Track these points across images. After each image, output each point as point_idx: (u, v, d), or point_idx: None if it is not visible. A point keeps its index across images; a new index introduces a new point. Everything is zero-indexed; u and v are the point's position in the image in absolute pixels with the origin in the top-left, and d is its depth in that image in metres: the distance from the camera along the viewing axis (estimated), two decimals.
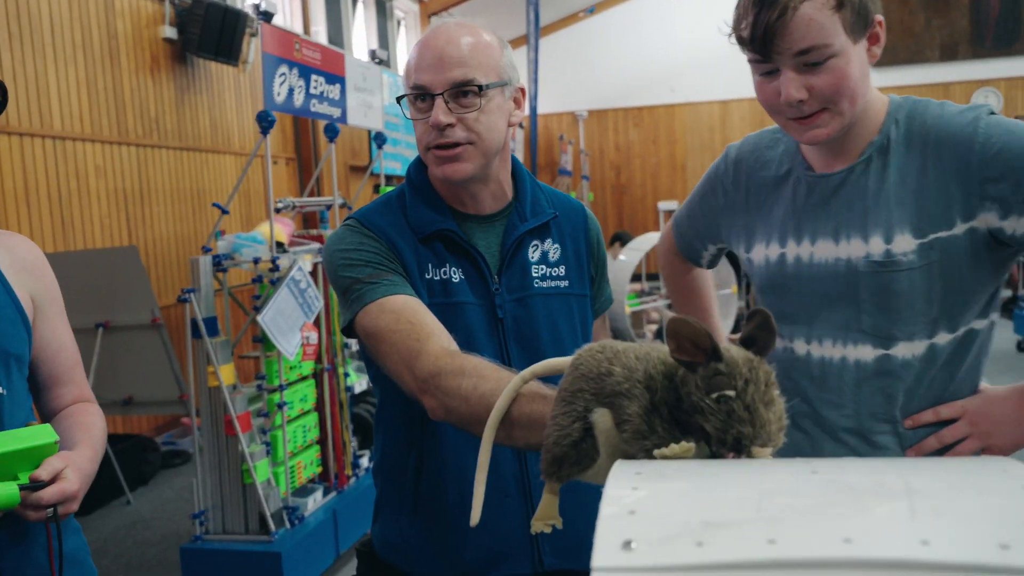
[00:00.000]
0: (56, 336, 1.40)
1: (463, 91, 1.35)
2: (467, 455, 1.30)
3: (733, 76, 14.62)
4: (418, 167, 1.48)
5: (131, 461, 5.10)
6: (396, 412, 1.44)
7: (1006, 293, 10.38)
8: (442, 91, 1.34)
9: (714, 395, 0.74)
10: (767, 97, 1.29)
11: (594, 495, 1.17)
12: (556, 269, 1.47)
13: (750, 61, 1.28)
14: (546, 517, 0.92)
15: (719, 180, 1.53)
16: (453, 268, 1.40)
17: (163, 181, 6.33)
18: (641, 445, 0.78)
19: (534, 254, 1.45)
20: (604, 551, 0.58)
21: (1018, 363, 7.45)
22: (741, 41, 1.28)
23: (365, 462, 4.12)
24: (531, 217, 1.45)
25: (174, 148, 6.48)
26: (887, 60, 14.48)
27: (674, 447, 0.75)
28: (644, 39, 15.19)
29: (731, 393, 0.74)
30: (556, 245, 1.48)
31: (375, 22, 10.93)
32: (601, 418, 0.83)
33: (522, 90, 1.45)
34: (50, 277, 1.41)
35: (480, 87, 1.35)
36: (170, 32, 6.41)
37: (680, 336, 0.75)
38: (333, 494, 3.83)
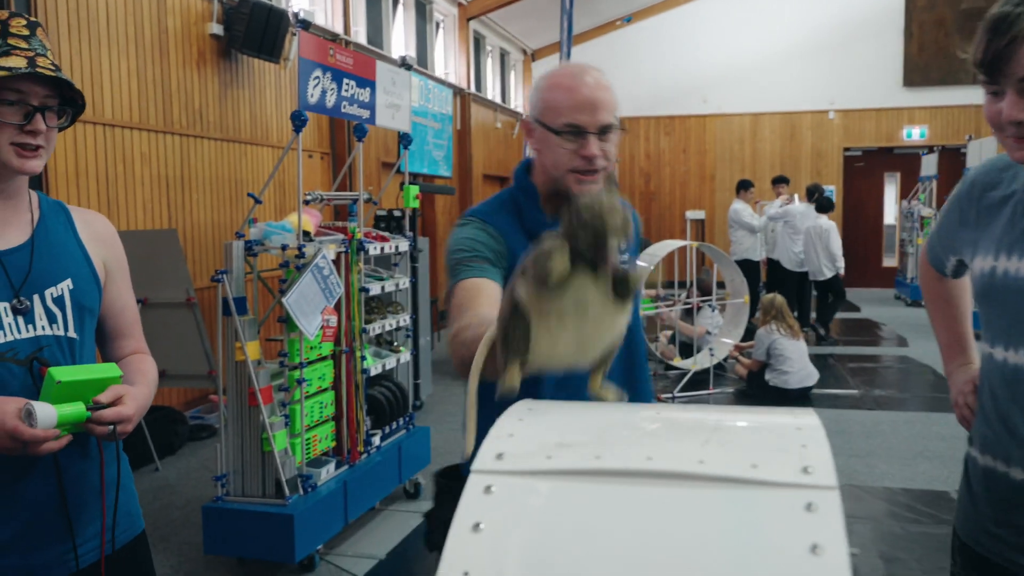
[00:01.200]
0: (121, 297, 1.70)
1: (608, 130, 1.70)
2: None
3: (764, 89, 14.82)
4: (524, 173, 1.84)
5: (161, 431, 5.44)
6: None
7: None
8: (595, 131, 1.68)
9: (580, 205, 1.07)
10: (991, 115, 1.42)
11: None
12: (622, 257, 1.82)
13: (981, 83, 1.42)
14: (508, 389, 1.12)
15: (958, 199, 1.69)
16: None
17: (204, 170, 6.68)
18: (535, 275, 1.07)
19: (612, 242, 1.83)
20: (483, 459, 0.85)
21: None
22: (975, 64, 1.40)
23: (377, 440, 4.41)
24: None
25: (216, 139, 6.83)
26: (921, 81, 14.58)
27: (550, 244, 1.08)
28: (678, 50, 15.38)
29: (586, 201, 1.08)
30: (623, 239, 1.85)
31: (414, 24, 11.26)
32: (520, 288, 1.09)
33: None
34: (119, 249, 1.71)
35: (618, 128, 1.73)
36: (217, 29, 6.76)
37: (554, 199, 1.11)
38: (345, 467, 4.13)
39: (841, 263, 9.68)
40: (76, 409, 1.43)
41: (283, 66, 7.58)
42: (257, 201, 3.79)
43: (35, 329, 1.51)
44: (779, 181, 10.80)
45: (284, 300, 3.59)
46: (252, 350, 3.67)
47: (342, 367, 4.16)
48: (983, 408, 1.63)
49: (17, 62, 1.43)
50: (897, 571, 3.77)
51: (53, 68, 1.47)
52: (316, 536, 3.77)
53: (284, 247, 3.73)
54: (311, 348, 3.90)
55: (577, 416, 0.99)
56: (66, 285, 1.56)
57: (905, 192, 14.76)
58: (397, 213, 6.49)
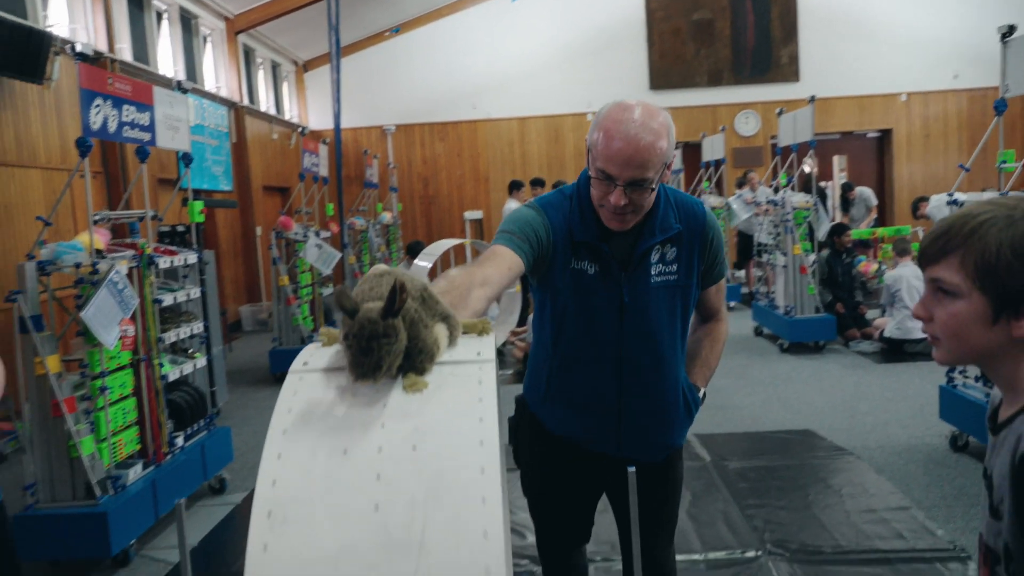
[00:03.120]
0: None
1: (637, 185, 1.87)
2: (584, 382, 2.09)
3: (529, 95, 15.88)
4: (588, 181, 2.00)
5: None
6: (543, 331, 2.18)
7: (746, 290, 12.01)
8: (623, 183, 1.87)
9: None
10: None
11: (663, 415, 2.15)
12: (670, 267, 2.05)
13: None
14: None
15: None
16: (590, 264, 2.01)
17: None
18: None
19: (655, 257, 2.03)
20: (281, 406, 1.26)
21: (755, 344, 8.87)
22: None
23: (180, 441, 4.69)
24: (659, 233, 2.01)
25: None
26: (663, 84, 16.16)
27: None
28: (447, 59, 16.13)
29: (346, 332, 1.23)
30: (674, 249, 2.04)
31: (180, 39, 11.22)
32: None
33: (671, 163, 1.97)
34: None
35: (650, 186, 1.89)
36: None
37: (338, 301, 1.33)
38: (152, 467, 4.39)
39: None
40: None
41: (47, 87, 7.49)
42: (47, 224, 3.99)
43: None
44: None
45: (82, 314, 3.84)
46: (52, 363, 3.88)
47: (142, 374, 4.42)
48: None
49: None
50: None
51: None
52: (129, 531, 4.04)
53: (78, 265, 3.97)
54: (111, 358, 4.14)
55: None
56: None
57: None
58: (180, 228, 6.68)
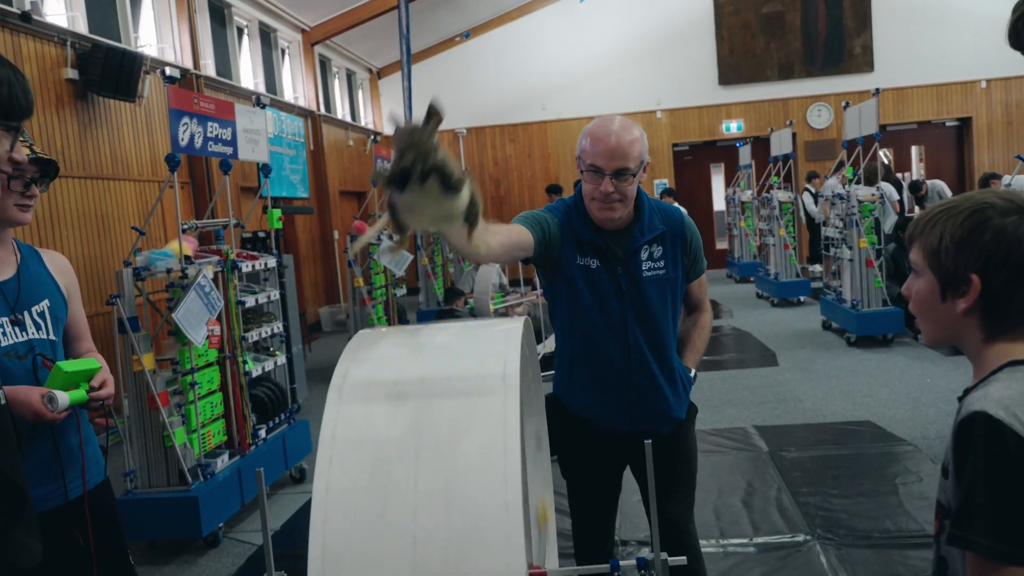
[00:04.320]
0: (78, 311, 2.35)
1: (621, 174, 2.29)
2: (600, 360, 2.43)
3: (597, 94, 16.05)
4: (580, 192, 2.44)
5: None
6: (560, 320, 2.52)
7: (816, 284, 11.94)
8: (609, 173, 2.29)
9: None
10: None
11: (663, 389, 2.52)
12: (658, 263, 2.44)
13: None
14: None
15: None
16: (592, 259, 2.40)
17: (70, 207, 7.07)
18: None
19: (645, 254, 2.43)
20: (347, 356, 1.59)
21: (822, 338, 8.88)
22: None
23: (263, 433, 5.05)
24: (647, 232, 2.43)
25: (79, 177, 7.23)
26: (732, 79, 16.11)
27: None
28: (516, 61, 16.42)
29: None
30: (661, 248, 2.44)
31: (260, 52, 11.75)
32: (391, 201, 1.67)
33: (648, 163, 2.41)
34: (74, 276, 2.36)
35: (632, 173, 2.32)
36: (72, 74, 7.16)
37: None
38: (237, 457, 4.76)
39: None
40: (80, 393, 2.10)
41: (138, 104, 8.01)
42: (141, 233, 4.38)
43: (27, 335, 2.16)
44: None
45: (174, 315, 4.20)
46: (148, 361, 4.26)
47: (227, 371, 4.78)
48: None
49: (24, 151, 2.08)
50: (725, 484, 4.71)
51: (44, 152, 2.13)
52: (218, 515, 4.40)
53: (169, 271, 4.34)
54: (199, 355, 4.51)
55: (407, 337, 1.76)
56: (45, 304, 2.21)
57: (729, 180, 16.28)
58: (261, 234, 7.09)
